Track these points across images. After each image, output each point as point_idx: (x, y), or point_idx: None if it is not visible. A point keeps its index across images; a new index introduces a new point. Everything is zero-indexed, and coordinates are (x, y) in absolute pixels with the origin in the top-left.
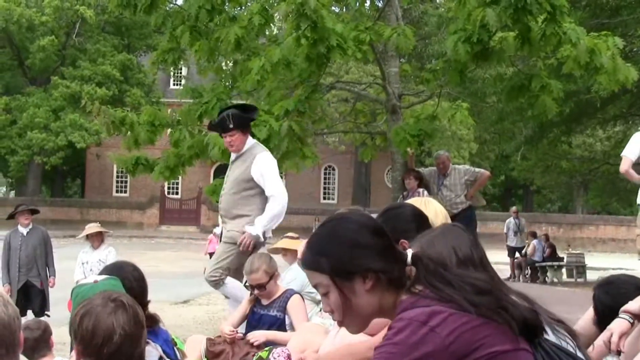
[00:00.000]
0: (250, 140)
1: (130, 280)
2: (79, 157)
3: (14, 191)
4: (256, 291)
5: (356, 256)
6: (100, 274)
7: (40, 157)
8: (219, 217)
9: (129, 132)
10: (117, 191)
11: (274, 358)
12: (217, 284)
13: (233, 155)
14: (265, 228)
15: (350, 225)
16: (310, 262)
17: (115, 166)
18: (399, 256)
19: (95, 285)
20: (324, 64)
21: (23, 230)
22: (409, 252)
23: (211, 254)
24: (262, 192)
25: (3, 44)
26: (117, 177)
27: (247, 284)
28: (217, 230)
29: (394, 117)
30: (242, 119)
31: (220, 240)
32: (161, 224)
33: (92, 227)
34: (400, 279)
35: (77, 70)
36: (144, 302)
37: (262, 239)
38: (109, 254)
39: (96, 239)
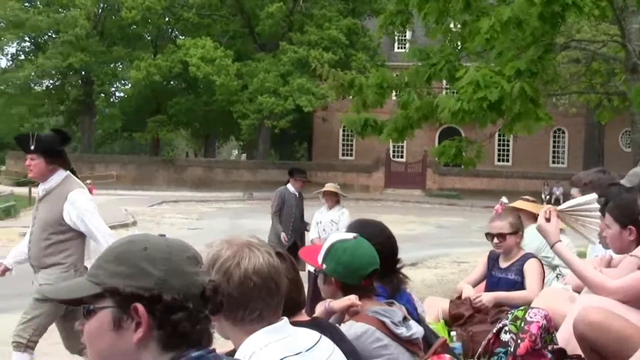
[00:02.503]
0: (60, 174)
1: (382, 239)
2: (306, 120)
3: (245, 154)
4: (495, 240)
5: None
6: (349, 230)
7: (269, 121)
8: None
9: (357, 95)
10: (343, 154)
11: (531, 317)
12: (19, 346)
13: (40, 191)
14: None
15: None
16: None
17: (341, 130)
18: None
19: (356, 240)
20: (558, 23)
21: (295, 192)
22: None
23: None
24: (79, 234)
25: (235, 12)
26: (343, 140)
27: (489, 233)
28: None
29: (635, 77)
30: (47, 145)
31: None
32: (387, 187)
33: (329, 186)
34: None
35: (304, 35)
36: (395, 261)
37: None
38: (342, 215)
39: (331, 199)
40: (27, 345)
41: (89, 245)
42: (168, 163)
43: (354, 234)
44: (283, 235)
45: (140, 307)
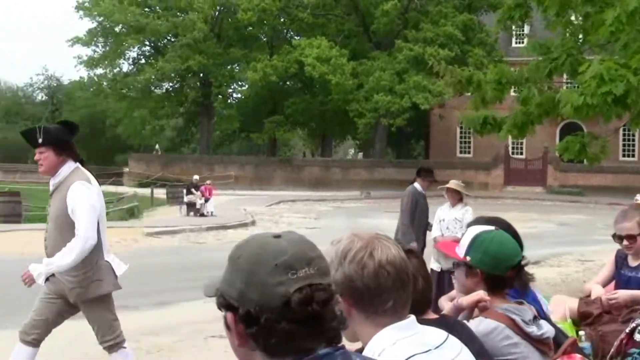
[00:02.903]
0: (69, 166)
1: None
2: (423, 118)
3: (361, 153)
4: (625, 242)
5: None
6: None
7: (385, 119)
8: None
9: (475, 92)
10: (460, 152)
11: None
12: (114, 348)
13: (51, 186)
14: (52, 272)
15: None
16: None
17: (458, 127)
18: None
19: (499, 231)
20: None
21: (423, 192)
22: None
23: None
24: None
25: (349, 11)
26: (461, 137)
27: (616, 234)
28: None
29: None
30: (55, 137)
31: None
32: (506, 185)
33: (453, 184)
34: None
35: (420, 32)
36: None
37: (41, 281)
38: (465, 212)
39: (454, 197)
40: (118, 344)
41: (105, 238)
42: (285, 163)
43: (493, 226)
44: (414, 245)
45: (229, 314)
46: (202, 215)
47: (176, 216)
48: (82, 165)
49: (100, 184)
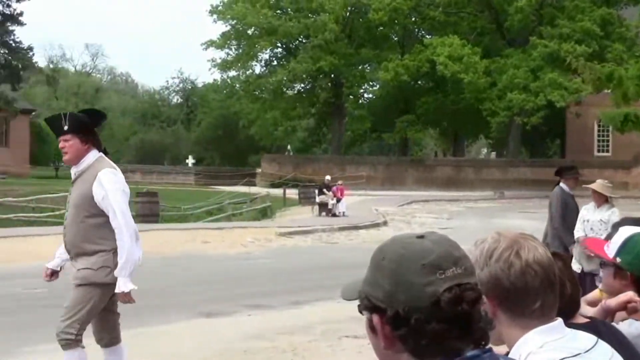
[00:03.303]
0: (94, 154)
1: None
2: (558, 116)
3: (494, 152)
4: None
5: None
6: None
7: (520, 118)
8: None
9: (616, 88)
10: (598, 150)
11: None
12: (69, 344)
13: (73, 174)
14: (130, 271)
15: None
16: None
17: (596, 124)
18: None
19: None
20: None
21: (571, 192)
22: None
23: None
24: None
25: (482, 8)
26: (599, 135)
27: None
28: None
29: None
30: (81, 124)
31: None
32: None
33: (599, 184)
34: None
35: (555, 28)
36: None
37: (131, 286)
38: (612, 214)
39: (600, 197)
40: (77, 339)
41: None
42: (417, 163)
43: None
44: (571, 247)
45: (375, 317)
46: (334, 215)
47: (308, 216)
48: (106, 154)
49: (234, 184)
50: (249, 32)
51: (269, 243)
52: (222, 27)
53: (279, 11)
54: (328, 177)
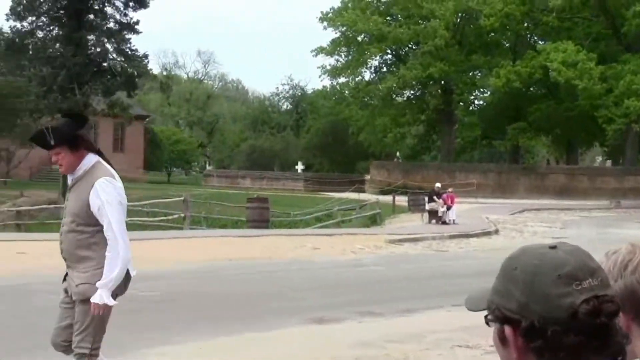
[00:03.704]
0: (89, 159)
1: None
2: None
3: (610, 160)
4: None
5: None
6: None
7: (637, 125)
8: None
9: None
10: None
11: None
12: (82, 357)
13: (69, 180)
14: (113, 288)
15: None
16: None
17: None
18: None
19: None
20: None
21: None
22: None
23: None
24: None
25: (598, 13)
26: None
27: None
28: None
29: None
30: (66, 134)
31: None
32: None
33: None
34: None
35: None
36: None
37: (111, 302)
38: None
39: None
40: (92, 354)
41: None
42: (529, 171)
43: None
44: None
45: (507, 328)
46: (444, 223)
47: (418, 224)
48: (101, 156)
49: (343, 191)
50: (359, 38)
51: (378, 250)
52: (332, 34)
53: (389, 18)
54: (438, 185)
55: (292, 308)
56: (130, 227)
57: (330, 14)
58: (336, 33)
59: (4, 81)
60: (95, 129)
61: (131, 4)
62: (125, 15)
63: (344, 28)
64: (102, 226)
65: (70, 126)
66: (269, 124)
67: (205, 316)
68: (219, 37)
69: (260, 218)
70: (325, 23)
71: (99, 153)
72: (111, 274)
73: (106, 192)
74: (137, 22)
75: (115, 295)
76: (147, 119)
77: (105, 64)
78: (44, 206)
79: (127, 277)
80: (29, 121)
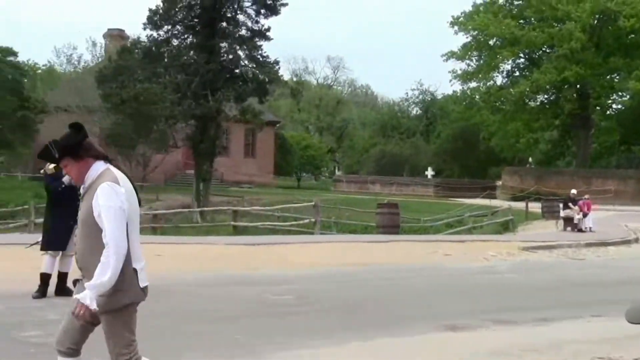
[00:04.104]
0: (97, 167)
1: None
2: None
3: None
4: None
5: None
6: None
7: None
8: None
9: None
10: None
11: None
12: (63, 353)
13: (81, 190)
14: (101, 292)
15: None
16: None
17: None
18: None
19: None
20: None
21: None
22: None
23: None
24: None
25: None
26: None
27: None
28: None
29: None
30: (67, 146)
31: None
32: None
33: None
34: None
35: None
36: None
37: (94, 306)
38: None
39: None
40: (133, 358)
41: (135, 242)
42: None
43: None
44: None
45: None
46: (580, 230)
47: (552, 231)
48: (109, 162)
49: (474, 197)
50: (491, 42)
51: (511, 257)
52: (463, 38)
53: (521, 21)
54: (574, 191)
55: (424, 314)
56: (261, 231)
57: (462, 18)
58: (467, 37)
59: (142, 89)
60: (227, 134)
61: (263, 11)
62: (257, 22)
63: (476, 32)
64: None
65: (70, 137)
66: (398, 129)
67: (338, 321)
68: (348, 43)
69: (391, 223)
70: (456, 27)
71: (105, 159)
72: (101, 278)
73: (105, 197)
74: (269, 29)
75: (130, 301)
76: (277, 125)
77: (237, 71)
78: (179, 210)
79: (140, 283)
80: (165, 127)
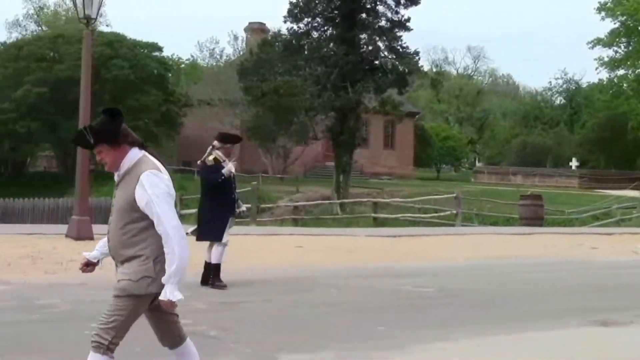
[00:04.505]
0: (133, 154)
1: None
2: None
3: None
4: None
5: None
6: None
7: None
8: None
9: None
10: None
11: None
12: (98, 347)
13: (116, 177)
14: (176, 282)
15: None
16: None
17: None
18: None
19: None
20: None
21: None
22: None
23: None
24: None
25: None
26: None
27: None
28: None
29: None
30: (103, 131)
31: None
32: None
33: None
34: None
35: None
36: None
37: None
38: None
39: None
40: (108, 347)
41: None
42: None
43: None
44: None
45: None
46: None
47: None
48: (145, 149)
49: (621, 188)
50: None
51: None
52: (610, 24)
53: None
54: None
55: (571, 308)
56: (402, 223)
57: (609, 4)
58: (615, 23)
59: (282, 81)
60: (367, 126)
61: (402, 1)
62: (397, 12)
63: (624, 17)
64: (148, 222)
65: (106, 123)
66: (541, 119)
67: (482, 313)
68: (489, 32)
69: (534, 215)
70: (603, 13)
71: (141, 146)
72: (170, 268)
73: (153, 185)
74: (408, 20)
75: (156, 291)
76: (417, 116)
77: (376, 62)
78: (319, 202)
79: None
80: (305, 119)
